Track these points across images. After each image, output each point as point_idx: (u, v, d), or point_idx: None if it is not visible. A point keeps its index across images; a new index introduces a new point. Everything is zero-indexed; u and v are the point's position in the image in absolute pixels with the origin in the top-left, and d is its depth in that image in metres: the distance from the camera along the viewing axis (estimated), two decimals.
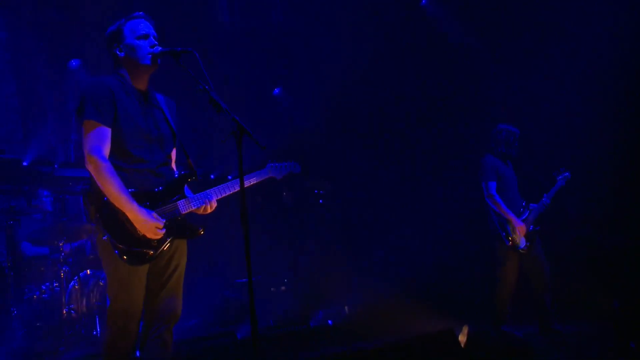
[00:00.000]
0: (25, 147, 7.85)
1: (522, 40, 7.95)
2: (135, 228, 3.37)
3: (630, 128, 7.20)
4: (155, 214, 3.41)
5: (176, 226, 3.56)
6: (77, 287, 6.62)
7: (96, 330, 6.43)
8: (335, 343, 7.17)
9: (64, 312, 6.44)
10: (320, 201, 9.52)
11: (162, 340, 3.58)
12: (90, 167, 3.38)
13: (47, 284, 6.60)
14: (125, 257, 3.38)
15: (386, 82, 8.93)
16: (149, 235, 3.38)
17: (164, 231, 3.43)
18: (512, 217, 6.15)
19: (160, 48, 3.59)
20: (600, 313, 6.28)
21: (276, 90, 9.84)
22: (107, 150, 3.41)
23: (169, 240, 3.52)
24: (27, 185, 7.64)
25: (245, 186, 3.79)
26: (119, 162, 3.46)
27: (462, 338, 3.04)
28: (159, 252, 3.48)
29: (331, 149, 9.38)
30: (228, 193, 3.80)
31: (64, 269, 6.63)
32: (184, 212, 3.61)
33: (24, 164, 7.86)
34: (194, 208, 3.66)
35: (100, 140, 3.40)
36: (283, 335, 6.99)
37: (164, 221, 3.45)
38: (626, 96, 7.18)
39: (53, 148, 7.87)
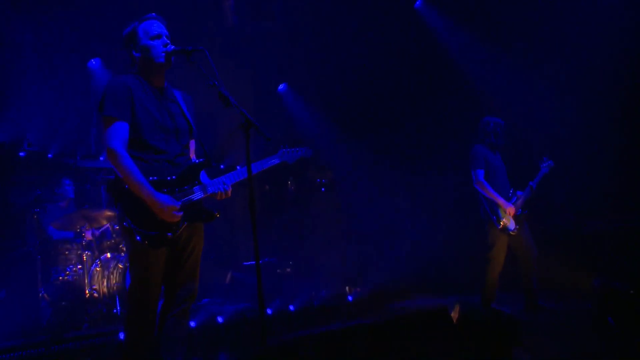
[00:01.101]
0: (50, 140, 7.85)
1: (511, 37, 7.91)
2: (154, 213, 3.36)
3: (612, 122, 7.18)
4: (171, 197, 3.40)
5: (193, 211, 3.55)
6: (98, 269, 6.63)
7: (116, 309, 6.44)
8: (337, 320, 7.19)
9: (87, 292, 6.45)
10: (322, 189, 9.51)
11: (180, 320, 3.59)
12: (110, 159, 3.39)
13: (71, 266, 6.60)
14: (145, 240, 3.38)
15: (384, 79, 8.91)
16: (167, 218, 3.37)
17: (180, 214, 3.41)
18: (501, 201, 6.14)
19: (173, 47, 3.58)
20: (581, 291, 6.28)
21: (281, 86, 9.81)
22: (125, 143, 3.41)
23: (186, 224, 3.51)
24: (52, 176, 7.65)
25: (259, 171, 3.78)
26: (139, 153, 3.47)
27: (454, 315, 3.03)
28: (177, 235, 3.47)
29: (332, 141, 9.36)
30: (241, 179, 3.75)
31: (86, 252, 6.65)
32: (200, 197, 3.59)
33: (49, 156, 7.87)
34: (209, 193, 3.64)
35: (118, 134, 3.41)
36: (289, 314, 7.00)
37: (180, 204, 3.43)
38: (608, 90, 7.14)
39: (75, 141, 7.85)
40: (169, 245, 3.50)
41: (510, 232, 6.13)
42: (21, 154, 7.55)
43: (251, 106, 3.32)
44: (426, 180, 8.66)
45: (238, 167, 3.78)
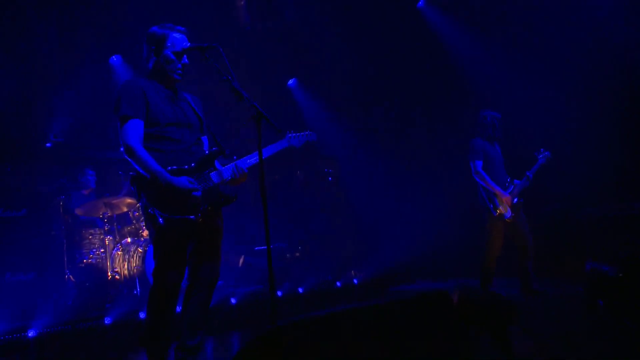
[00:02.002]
0: (74, 132, 7.86)
1: (510, 34, 7.85)
2: (175, 198, 3.37)
3: (604, 114, 7.13)
4: (188, 178, 3.41)
5: (211, 195, 3.56)
6: (119, 253, 6.65)
7: (136, 290, 6.46)
8: (341, 302, 7.19)
9: (109, 274, 6.48)
10: (330, 179, 9.50)
11: (202, 303, 3.61)
12: (127, 154, 3.40)
13: (95, 250, 6.63)
14: (169, 225, 3.37)
15: (388, 74, 8.87)
16: (187, 197, 3.37)
17: (199, 193, 3.41)
18: (497, 190, 6.11)
19: (189, 44, 3.60)
20: (573, 276, 6.26)
21: (290, 81, 9.78)
22: (140, 139, 3.44)
23: (206, 207, 3.51)
24: (75, 165, 7.67)
25: (270, 154, 3.77)
26: (157, 146, 3.49)
27: (454, 297, 3.01)
28: (198, 218, 3.45)
29: (338, 132, 9.34)
30: (254, 163, 3.75)
31: (108, 237, 6.67)
32: (217, 182, 3.60)
33: (73, 147, 7.88)
34: (225, 178, 3.65)
35: (134, 131, 3.43)
36: (298, 296, 7.01)
37: (197, 183, 3.45)
38: (600, 83, 7.08)
39: (97, 133, 7.86)
40: (192, 229, 3.49)
41: (507, 220, 6.11)
42: (47, 145, 7.57)
43: (261, 100, 3.31)
44: (428, 170, 8.62)
45: (252, 155, 3.76)
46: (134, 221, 7.01)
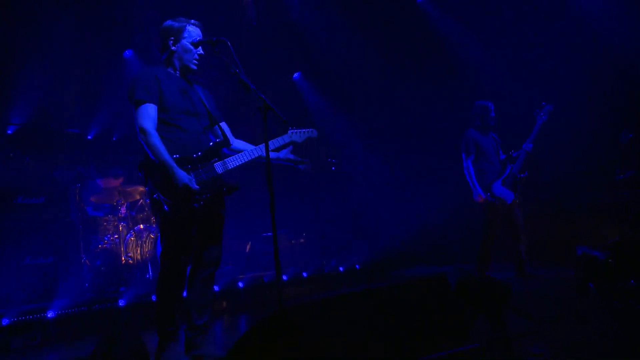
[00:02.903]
0: (88, 123, 7.85)
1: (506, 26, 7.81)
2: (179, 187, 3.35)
3: (597, 106, 7.10)
4: (188, 176, 3.38)
5: (214, 184, 3.55)
6: (132, 239, 6.66)
7: (149, 274, 6.48)
8: (344, 286, 7.20)
9: (123, 259, 6.49)
10: (333, 168, 9.47)
11: (206, 283, 3.61)
12: (141, 137, 3.40)
13: (109, 236, 6.64)
14: (173, 211, 3.39)
15: (389, 68, 8.83)
16: (183, 192, 3.35)
17: (196, 189, 3.38)
18: (474, 190, 6.12)
19: (198, 37, 3.59)
20: (565, 260, 6.25)
21: (295, 74, 9.73)
22: (154, 123, 3.44)
23: (209, 196, 3.50)
24: (91, 155, 7.67)
25: (272, 149, 3.75)
26: (167, 134, 3.48)
27: (451, 281, 3.01)
28: (202, 206, 3.46)
29: (341, 123, 9.31)
30: (253, 157, 3.74)
31: (122, 224, 6.67)
32: (220, 173, 3.59)
33: (88, 137, 7.87)
34: (228, 168, 3.63)
35: (148, 115, 3.43)
36: (302, 280, 7.02)
37: (194, 180, 3.42)
38: (592, 77, 7.04)
39: (110, 124, 7.85)
40: (195, 216, 3.49)
41: (508, 204, 6.05)
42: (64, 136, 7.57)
43: (267, 93, 3.30)
44: (428, 158, 8.59)
45: (252, 147, 3.75)
46: (146, 208, 7.01)
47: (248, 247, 8.24)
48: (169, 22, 3.67)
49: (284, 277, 6.76)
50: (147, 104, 3.43)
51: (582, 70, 7.06)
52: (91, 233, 6.67)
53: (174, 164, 3.34)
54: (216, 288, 6.12)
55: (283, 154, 3.88)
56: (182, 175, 3.35)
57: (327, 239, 8.56)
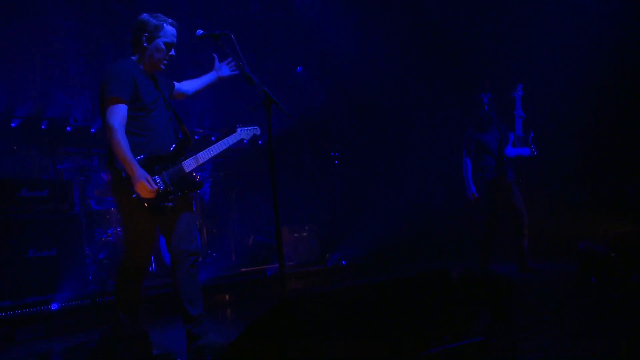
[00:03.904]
0: (92, 117, 7.85)
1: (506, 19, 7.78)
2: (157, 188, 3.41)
3: (598, 99, 7.07)
4: (149, 178, 3.37)
5: (183, 183, 3.61)
6: None
7: (152, 267, 6.49)
8: (347, 279, 7.20)
9: None
10: (336, 162, 9.46)
11: (190, 274, 3.62)
12: (109, 133, 3.36)
13: (112, 229, 6.64)
14: (150, 210, 3.42)
15: (388, 63, 8.80)
16: (142, 194, 3.37)
17: (155, 188, 3.39)
18: (467, 188, 6.20)
19: (202, 31, 3.57)
20: (567, 254, 6.24)
21: (299, 68, 9.71)
22: (124, 121, 3.41)
23: (179, 194, 3.56)
24: (94, 148, 7.66)
25: (224, 149, 3.89)
26: (139, 131, 3.50)
27: (454, 275, 3.01)
28: (175, 204, 3.53)
29: (343, 118, 9.29)
30: (215, 153, 3.86)
31: None
32: (187, 170, 3.64)
33: (92, 130, 7.87)
34: (192, 167, 3.69)
35: (120, 113, 3.40)
36: (305, 273, 7.02)
37: (157, 188, 3.44)
38: (596, 71, 7.01)
39: None
40: (162, 214, 3.51)
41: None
42: (68, 129, 7.56)
43: (271, 86, 3.31)
44: (430, 152, 8.57)
45: (213, 147, 3.91)
46: None
47: (251, 240, 8.25)
48: (145, 17, 3.61)
49: (287, 270, 6.76)
50: (120, 102, 3.40)
51: (586, 64, 7.03)
52: (95, 226, 6.67)
53: (137, 165, 3.34)
54: (219, 281, 6.14)
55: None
56: (142, 177, 3.34)
57: (330, 232, 8.55)
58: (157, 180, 3.45)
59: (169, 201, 3.48)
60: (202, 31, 3.58)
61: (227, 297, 6.12)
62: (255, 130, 4.24)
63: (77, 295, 5.16)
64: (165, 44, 3.59)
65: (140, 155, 3.41)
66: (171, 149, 3.59)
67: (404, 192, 8.68)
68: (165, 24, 3.59)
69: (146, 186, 3.33)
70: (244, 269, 6.87)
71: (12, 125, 6.92)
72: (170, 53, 3.63)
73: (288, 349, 2.30)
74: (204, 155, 3.76)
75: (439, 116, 8.51)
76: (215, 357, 3.35)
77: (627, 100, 6.96)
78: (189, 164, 3.65)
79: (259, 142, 9.20)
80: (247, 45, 7.51)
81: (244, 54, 3.33)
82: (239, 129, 4.11)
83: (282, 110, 3.29)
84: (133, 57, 3.62)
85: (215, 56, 4.01)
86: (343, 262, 7.57)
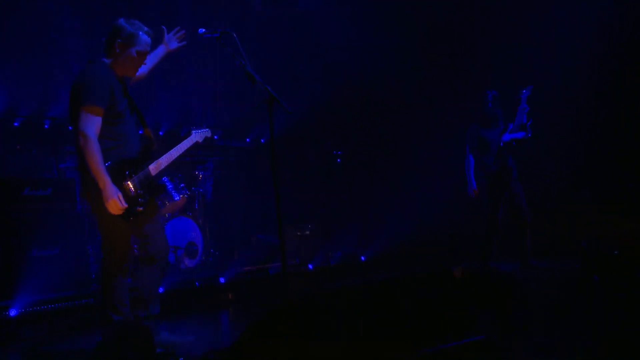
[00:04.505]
0: None
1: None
2: (129, 193, 3.46)
3: (601, 99, 7.06)
4: (120, 195, 3.40)
5: (151, 187, 3.68)
6: None
7: None
8: (350, 278, 7.21)
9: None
10: (339, 160, 9.46)
11: (157, 274, 3.74)
12: (83, 142, 3.35)
13: None
14: (122, 216, 3.45)
15: (392, 62, 8.78)
16: (112, 210, 3.39)
17: (125, 206, 3.42)
18: (469, 184, 6.27)
19: (204, 30, 3.59)
20: (571, 252, 6.24)
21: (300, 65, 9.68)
22: (98, 130, 3.40)
23: (148, 199, 3.61)
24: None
25: (182, 152, 3.97)
26: (113, 135, 3.51)
27: (457, 275, 3.01)
28: (145, 208, 3.58)
29: (347, 116, 9.28)
30: (174, 158, 3.94)
31: None
32: (154, 174, 3.70)
33: None
34: (161, 168, 3.78)
35: (96, 123, 3.40)
36: (308, 272, 7.03)
37: (138, 182, 3.55)
38: (599, 69, 7.00)
39: None
40: (134, 218, 3.55)
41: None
42: (70, 127, 7.56)
43: (273, 84, 3.32)
44: (436, 152, 8.55)
45: (173, 150, 4.01)
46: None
47: (254, 239, 8.25)
48: (121, 23, 3.60)
49: (289, 269, 6.76)
50: (98, 111, 3.40)
51: (591, 61, 7.01)
52: (96, 225, 6.67)
53: (108, 176, 3.35)
54: (222, 280, 6.15)
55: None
56: (112, 192, 3.36)
57: (333, 232, 8.56)
58: (129, 185, 3.50)
59: (140, 205, 3.53)
60: (204, 30, 3.59)
61: (229, 295, 6.13)
62: (206, 132, 4.33)
63: (80, 294, 5.18)
64: (138, 52, 3.59)
65: (109, 161, 3.43)
66: (139, 152, 3.63)
67: (407, 190, 8.67)
68: (140, 32, 3.58)
69: (117, 204, 3.37)
70: (246, 268, 6.87)
71: (15, 124, 6.93)
72: (144, 63, 3.67)
73: (290, 349, 2.30)
74: (165, 160, 3.83)
75: (444, 113, 8.48)
76: (210, 357, 3.38)
77: (631, 97, 6.95)
78: (154, 168, 3.71)
79: (262, 140, 9.20)
80: (249, 43, 7.51)
81: (245, 52, 3.33)
82: (193, 132, 4.20)
83: (284, 108, 3.30)
84: (105, 60, 3.62)
85: (164, 28, 3.99)
86: (346, 262, 7.57)
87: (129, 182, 3.49)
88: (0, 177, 5.70)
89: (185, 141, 4.09)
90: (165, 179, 6.95)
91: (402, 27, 8.54)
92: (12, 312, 4.67)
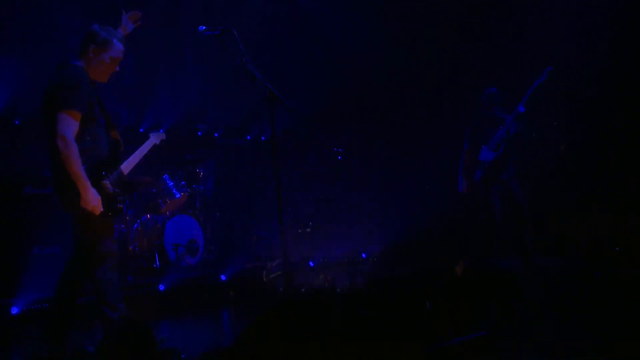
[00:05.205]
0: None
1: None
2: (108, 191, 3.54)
3: (604, 100, 7.05)
4: (100, 200, 3.46)
5: (125, 186, 3.74)
6: (139, 228, 6.68)
7: (156, 264, 6.49)
8: (351, 276, 7.21)
9: (130, 248, 6.52)
10: (339, 157, 9.45)
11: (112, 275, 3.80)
12: (63, 145, 3.36)
13: (116, 226, 6.65)
14: (105, 212, 3.52)
15: (392, 58, 8.75)
16: (88, 206, 3.44)
17: (102, 210, 3.49)
18: (460, 181, 6.31)
19: (204, 27, 3.60)
20: (574, 249, 6.24)
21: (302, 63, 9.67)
22: (75, 134, 3.42)
23: (127, 201, 3.71)
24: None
25: (142, 157, 4.13)
26: (87, 138, 3.52)
27: (459, 270, 3.01)
28: (124, 205, 3.76)
29: (348, 113, 9.28)
30: (136, 161, 4.13)
31: (129, 213, 6.69)
32: (126, 173, 3.80)
33: None
34: (130, 169, 3.96)
35: (75, 127, 3.41)
36: (309, 269, 7.03)
37: (116, 182, 3.64)
38: (601, 68, 6.98)
39: (117, 113, 7.86)
40: (116, 216, 3.70)
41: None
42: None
43: (275, 82, 3.34)
44: (436, 147, 8.53)
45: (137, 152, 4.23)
46: (154, 198, 7.02)
47: (255, 237, 8.25)
48: (96, 28, 3.65)
49: (290, 267, 6.76)
50: (77, 115, 3.42)
51: (596, 59, 6.99)
52: None
53: (87, 178, 3.40)
54: (223, 277, 6.15)
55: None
56: (93, 196, 3.43)
57: (334, 229, 8.56)
58: (107, 184, 3.57)
59: (120, 202, 3.65)
60: (204, 27, 3.60)
61: (230, 293, 6.14)
62: (162, 135, 4.65)
63: (81, 293, 5.16)
64: (111, 58, 3.63)
65: (86, 163, 3.47)
66: (109, 154, 3.68)
67: (408, 188, 8.67)
68: (114, 40, 3.64)
69: (97, 210, 3.45)
70: (247, 265, 6.87)
71: (16, 122, 6.94)
72: (116, 69, 3.70)
73: (291, 348, 2.30)
74: (127, 166, 3.95)
75: (446, 110, 8.47)
76: (211, 356, 3.39)
77: (633, 97, 6.93)
78: (125, 168, 3.83)
79: (262, 138, 9.20)
80: (250, 40, 7.49)
81: (246, 50, 3.33)
82: (151, 135, 4.51)
83: (285, 106, 3.30)
84: (78, 63, 3.63)
85: (123, 10, 4.03)
86: (348, 259, 7.57)
87: (107, 182, 3.58)
88: (2, 176, 5.71)
89: (145, 143, 4.34)
90: (166, 176, 6.95)
91: (405, 23, 8.52)
92: (14, 310, 4.67)
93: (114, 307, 3.67)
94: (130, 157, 4.03)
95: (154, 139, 4.48)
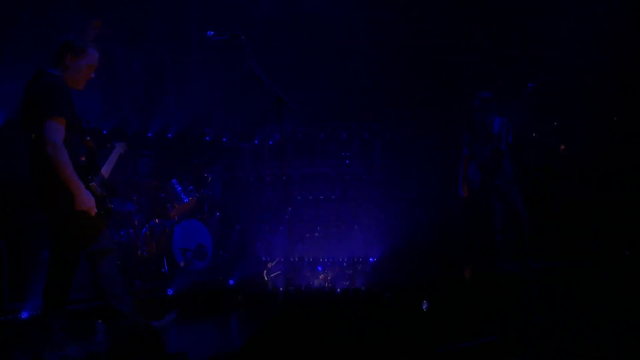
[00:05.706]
0: (104, 118, 7.91)
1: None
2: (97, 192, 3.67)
3: (607, 101, 7.03)
4: (93, 201, 3.61)
5: (108, 187, 3.94)
6: (148, 233, 6.71)
7: (164, 268, 6.51)
8: (360, 281, 7.19)
9: (138, 253, 6.54)
10: (347, 162, 9.44)
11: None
12: (53, 151, 3.46)
13: (124, 230, 6.68)
14: (103, 212, 3.73)
15: (403, 65, 8.75)
16: (83, 207, 3.56)
17: (95, 211, 3.62)
18: (460, 184, 6.32)
19: (212, 32, 3.66)
20: (579, 253, 6.20)
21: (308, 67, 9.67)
22: (62, 138, 3.53)
23: (111, 203, 3.91)
24: (105, 149, 7.69)
25: (113, 166, 4.47)
26: (70, 143, 3.60)
27: (467, 274, 3.01)
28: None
29: (352, 118, 9.28)
30: (110, 169, 4.54)
31: (137, 218, 6.72)
32: (106, 177, 4.03)
33: (104, 132, 7.93)
34: (109, 171, 4.26)
35: (62, 132, 3.52)
36: (316, 273, 7.02)
37: (102, 185, 3.82)
38: (604, 69, 6.95)
39: (126, 118, 7.89)
40: (108, 216, 3.89)
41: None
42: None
43: (282, 84, 3.36)
44: (445, 155, 8.51)
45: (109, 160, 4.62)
46: (162, 203, 7.04)
47: (262, 241, 8.24)
48: (73, 38, 3.78)
49: (296, 269, 6.76)
50: (63, 122, 3.52)
51: (597, 59, 6.97)
52: (107, 227, 6.71)
53: (81, 183, 3.52)
54: (231, 282, 6.16)
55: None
56: (87, 196, 3.56)
57: (342, 234, 8.54)
58: (95, 186, 3.70)
59: (109, 202, 3.84)
60: (212, 32, 3.63)
61: (239, 297, 6.13)
62: (125, 145, 4.98)
63: (89, 297, 5.19)
64: (88, 65, 3.78)
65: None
66: (88, 160, 3.80)
67: (412, 193, 8.65)
68: (90, 48, 3.78)
69: (92, 210, 3.58)
70: (254, 270, 6.88)
71: None
72: (91, 76, 3.83)
73: (301, 351, 2.30)
74: (105, 172, 4.22)
75: (450, 113, 8.45)
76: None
77: (633, 97, 6.90)
78: (105, 172, 4.05)
79: (270, 142, 9.20)
80: (257, 43, 7.50)
81: (254, 54, 3.34)
82: (116, 144, 4.88)
83: (291, 108, 3.32)
84: (55, 72, 3.71)
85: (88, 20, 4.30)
86: (371, 259, 7.54)
87: (94, 184, 3.70)
88: (12, 181, 5.74)
89: (113, 152, 4.72)
90: (174, 181, 6.97)
91: (410, 25, 8.50)
92: (24, 315, 4.69)
93: (120, 300, 3.79)
94: (105, 165, 4.35)
95: (119, 148, 4.83)
